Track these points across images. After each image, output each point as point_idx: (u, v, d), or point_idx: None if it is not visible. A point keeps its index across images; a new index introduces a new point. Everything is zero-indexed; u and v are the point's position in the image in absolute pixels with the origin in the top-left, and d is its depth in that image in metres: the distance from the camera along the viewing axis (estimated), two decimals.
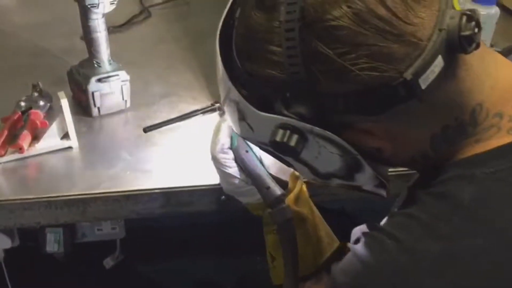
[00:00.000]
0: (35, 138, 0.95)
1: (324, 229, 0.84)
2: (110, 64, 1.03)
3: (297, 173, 0.85)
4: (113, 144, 1.00)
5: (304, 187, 0.86)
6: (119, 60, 1.06)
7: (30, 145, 0.93)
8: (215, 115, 1.01)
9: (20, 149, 0.91)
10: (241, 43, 0.57)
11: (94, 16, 0.97)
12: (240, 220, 0.95)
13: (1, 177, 0.91)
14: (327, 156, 0.57)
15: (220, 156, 0.81)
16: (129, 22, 1.44)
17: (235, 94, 0.58)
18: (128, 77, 1.05)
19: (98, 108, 1.05)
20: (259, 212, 0.84)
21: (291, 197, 0.82)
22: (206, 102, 1.13)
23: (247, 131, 0.61)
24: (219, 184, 0.91)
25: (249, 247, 1.37)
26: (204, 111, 0.88)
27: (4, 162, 0.92)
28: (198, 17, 1.53)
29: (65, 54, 1.28)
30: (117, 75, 1.03)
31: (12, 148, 0.93)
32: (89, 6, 0.93)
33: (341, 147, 0.55)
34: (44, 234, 1.10)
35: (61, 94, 0.92)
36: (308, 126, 0.54)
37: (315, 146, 0.56)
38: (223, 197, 0.92)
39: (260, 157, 0.82)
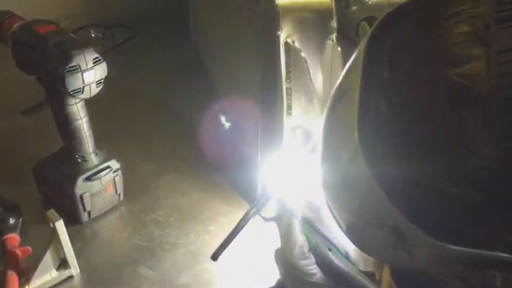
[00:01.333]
0: (22, 275, 0.71)
1: None
2: (96, 155, 0.80)
3: None
4: (123, 258, 0.78)
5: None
6: None
7: None
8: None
9: None
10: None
11: (72, 102, 0.73)
12: None
13: None
14: None
15: (303, 263, 0.63)
16: None
17: (395, 218, 0.41)
18: (118, 165, 0.83)
19: (89, 212, 0.81)
20: None
21: None
22: (210, 175, 0.93)
23: (402, 258, 0.44)
24: (279, 285, 0.73)
25: None
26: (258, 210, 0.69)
27: None
28: (148, 61, 1.32)
29: (10, 136, 1.03)
30: (108, 166, 0.80)
31: None
32: (71, 93, 0.69)
33: None
34: None
35: (53, 214, 0.68)
36: None
37: None
38: None
39: (346, 253, 0.65)
